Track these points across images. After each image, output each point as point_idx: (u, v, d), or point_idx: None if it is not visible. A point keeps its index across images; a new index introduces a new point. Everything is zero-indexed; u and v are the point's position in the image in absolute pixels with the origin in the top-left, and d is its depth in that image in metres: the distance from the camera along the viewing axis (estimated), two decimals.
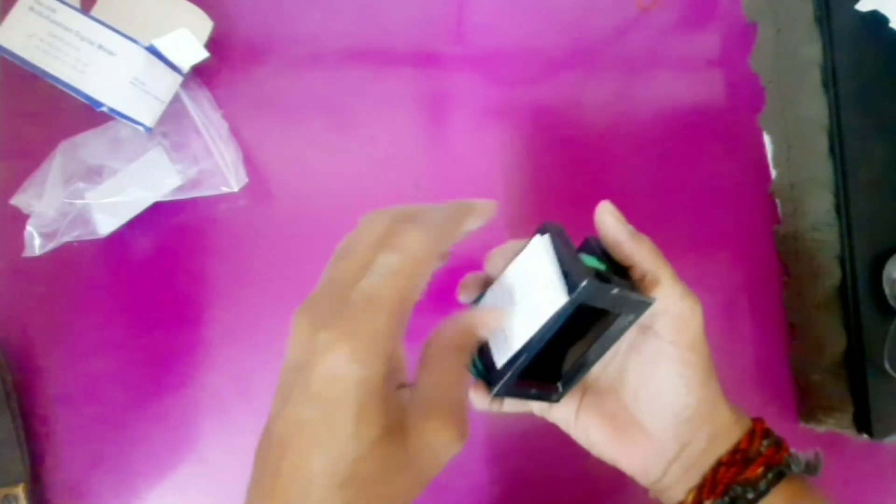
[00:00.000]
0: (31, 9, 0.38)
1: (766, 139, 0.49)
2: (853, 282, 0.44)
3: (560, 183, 0.47)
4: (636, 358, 0.30)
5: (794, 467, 0.29)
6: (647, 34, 0.49)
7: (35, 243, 0.40)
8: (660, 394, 0.29)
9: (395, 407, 0.22)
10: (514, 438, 0.45)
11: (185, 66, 0.41)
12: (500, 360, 0.27)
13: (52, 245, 0.40)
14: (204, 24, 0.43)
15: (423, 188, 0.45)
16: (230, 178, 0.42)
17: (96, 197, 0.41)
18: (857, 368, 0.44)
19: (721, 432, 0.30)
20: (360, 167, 0.45)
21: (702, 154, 0.49)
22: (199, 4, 0.43)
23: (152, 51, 0.39)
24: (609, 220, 0.29)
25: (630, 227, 0.29)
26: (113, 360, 0.42)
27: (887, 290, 0.44)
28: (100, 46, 0.39)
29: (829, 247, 0.45)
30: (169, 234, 0.43)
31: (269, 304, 0.43)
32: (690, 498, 0.29)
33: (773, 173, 0.48)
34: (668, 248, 0.45)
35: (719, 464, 0.29)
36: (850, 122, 0.45)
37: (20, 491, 0.39)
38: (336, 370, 0.20)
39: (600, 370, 0.32)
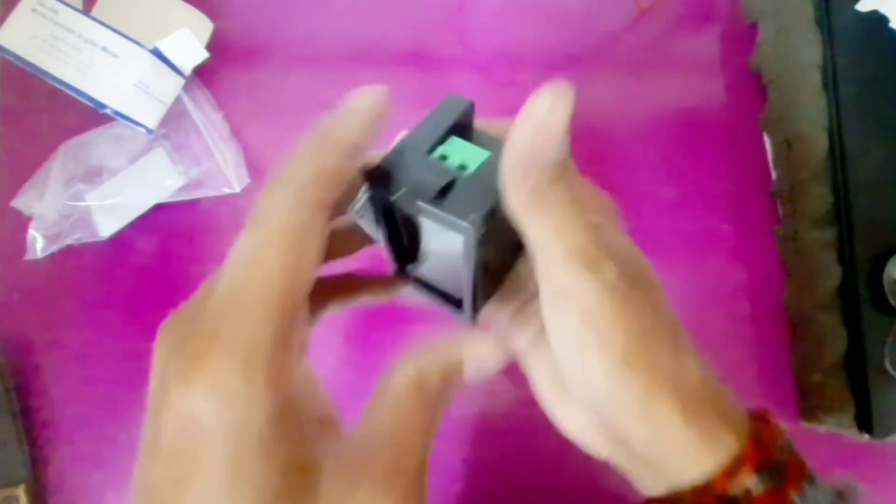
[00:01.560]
0: (34, 10, 0.38)
1: (766, 139, 0.49)
2: (853, 282, 0.44)
3: None
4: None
5: None
6: (647, 34, 0.49)
7: (37, 246, 0.40)
8: (562, 362, 0.20)
9: (298, 458, 0.15)
10: (514, 438, 0.45)
11: (187, 67, 0.41)
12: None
13: (54, 247, 0.40)
14: (204, 25, 0.43)
15: None
16: (231, 178, 0.42)
17: (97, 199, 0.41)
18: (857, 368, 0.44)
19: (683, 456, 0.18)
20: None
21: (702, 154, 0.49)
22: (199, 5, 0.43)
23: (156, 53, 0.39)
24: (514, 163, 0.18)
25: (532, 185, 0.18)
26: (114, 361, 0.42)
27: (887, 290, 0.44)
28: (103, 49, 0.39)
29: (829, 247, 0.45)
30: (170, 235, 0.43)
31: None
32: None
33: (773, 173, 0.48)
34: (668, 249, 0.45)
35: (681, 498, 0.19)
36: (850, 122, 0.45)
37: (21, 492, 0.39)
38: (189, 417, 0.14)
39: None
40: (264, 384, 0.14)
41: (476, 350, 0.19)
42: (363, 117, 0.19)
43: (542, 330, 0.20)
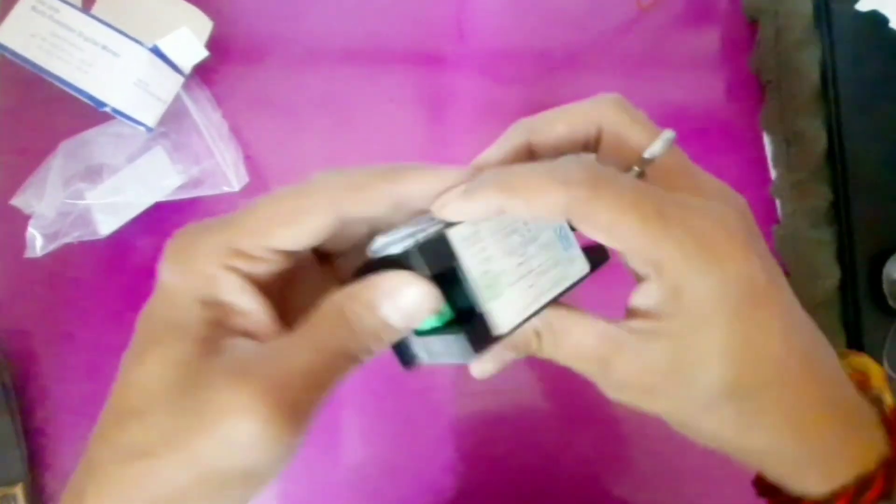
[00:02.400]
0: (34, 8, 0.38)
1: (766, 139, 0.49)
2: (853, 282, 0.44)
3: None
4: None
5: None
6: (647, 34, 0.49)
7: (37, 244, 0.40)
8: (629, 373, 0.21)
9: (205, 353, 0.17)
10: (514, 437, 0.45)
11: (187, 66, 0.41)
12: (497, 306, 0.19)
13: (53, 246, 0.40)
14: (204, 24, 0.43)
15: None
16: (231, 177, 0.42)
17: (97, 197, 0.41)
18: None
19: (794, 478, 0.20)
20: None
21: (702, 154, 0.48)
22: (199, 4, 0.43)
23: (155, 51, 0.39)
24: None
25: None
26: (113, 360, 0.42)
27: (887, 290, 0.44)
28: (104, 47, 0.39)
29: (829, 247, 0.45)
30: (170, 234, 0.43)
31: None
32: None
33: (773, 173, 0.48)
34: None
35: None
36: (850, 122, 0.45)
37: (18, 491, 0.39)
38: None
39: None
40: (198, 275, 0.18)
41: (400, 296, 0.18)
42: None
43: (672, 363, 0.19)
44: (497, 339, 0.19)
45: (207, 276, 0.18)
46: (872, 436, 0.20)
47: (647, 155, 0.20)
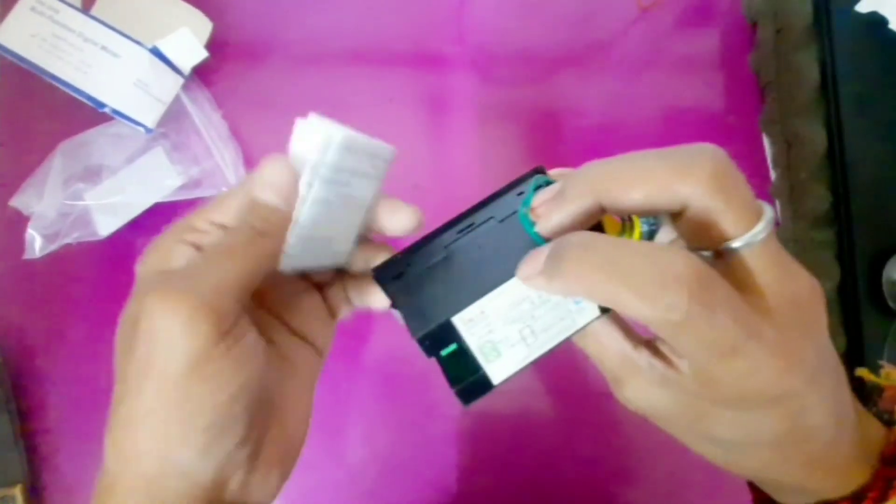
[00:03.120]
0: (33, 9, 0.38)
1: (766, 139, 0.49)
2: (853, 282, 0.44)
3: None
4: None
5: None
6: (647, 34, 0.49)
7: (36, 245, 0.40)
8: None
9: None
10: (515, 439, 0.45)
11: (187, 67, 0.41)
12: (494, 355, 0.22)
13: (52, 247, 0.40)
14: (203, 25, 0.43)
15: (423, 188, 0.45)
16: (230, 177, 0.42)
17: (96, 198, 0.41)
18: (856, 368, 0.44)
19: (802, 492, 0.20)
20: None
21: None
22: (199, 5, 0.43)
23: (155, 52, 0.39)
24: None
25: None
26: (112, 359, 0.42)
27: (887, 291, 0.44)
28: (103, 48, 0.39)
29: (829, 247, 0.45)
30: None
31: None
32: None
33: (773, 173, 0.48)
34: None
35: None
36: (850, 122, 0.45)
37: (17, 492, 0.39)
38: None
39: None
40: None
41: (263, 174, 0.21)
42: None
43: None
44: (491, 388, 0.21)
45: (165, 249, 0.22)
46: (870, 448, 0.20)
47: (736, 245, 0.18)
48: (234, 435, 0.19)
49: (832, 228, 0.45)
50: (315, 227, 0.22)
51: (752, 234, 0.18)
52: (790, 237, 0.47)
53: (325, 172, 0.21)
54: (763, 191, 0.48)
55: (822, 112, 0.46)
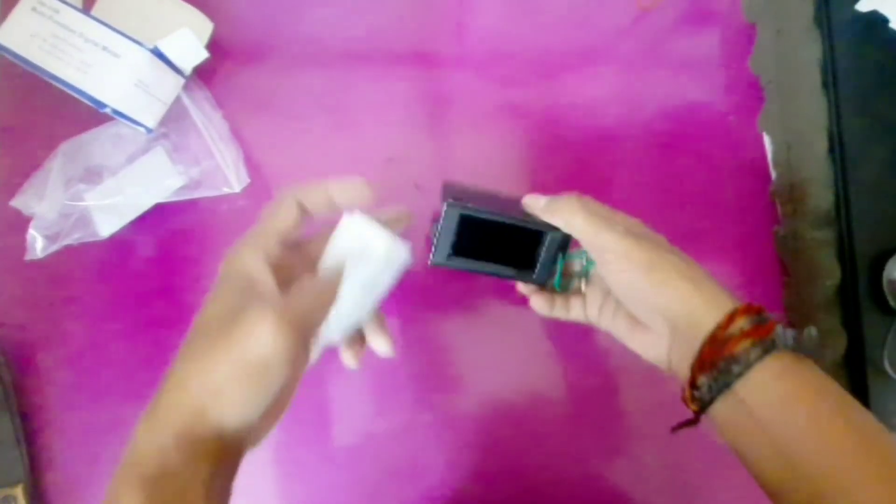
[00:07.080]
0: (34, 9, 0.38)
1: (766, 139, 0.49)
2: (853, 282, 0.44)
3: (559, 183, 0.47)
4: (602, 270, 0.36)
5: (780, 342, 0.29)
6: (647, 34, 0.49)
7: (37, 246, 0.40)
8: (620, 291, 0.35)
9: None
10: (515, 439, 0.45)
11: (187, 67, 0.41)
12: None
13: (54, 247, 0.40)
14: (204, 25, 0.43)
15: (423, 188, 0.45)
16: (231, 178, 0.42)
17: (97, 198, 0.41)
18: (857, 368, 0.44)
19: (702, 315, 0.31)
20: (360, 167, 0.45)
21: (702, 154, 0.49)
22: (199, 5, 0.43)
23: (156, 53, 0.39)
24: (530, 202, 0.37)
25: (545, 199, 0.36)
26: (113, 360, 0.42)
27: (887, 291, 0.44)
28: (104, 48, 0.39)
29: (829, 247, 0.45)
30: (170, 235, 0.43)
31: None
32: (688, 375, 0.32)
33: (773, 174, 0.48)
34: None
35: (705, 342, 0.31)
36: (850, 122, 0.45)
37: (19, 492, 0.39)
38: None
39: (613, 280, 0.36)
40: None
41: (341, 187, 0.29)
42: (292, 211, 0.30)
43: (601, 304, 0.38)
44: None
45: (249, 265, 0.28)
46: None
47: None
48: (268, 406, 0.26)
49: (832, 228, 0.45)
50: (349, 316, 0.32)
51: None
52: (791, 236, 0.47)
53: (364, 279, 0.30)
54: (763, 191, 0.48)
55: (822, 112, 0.46)
